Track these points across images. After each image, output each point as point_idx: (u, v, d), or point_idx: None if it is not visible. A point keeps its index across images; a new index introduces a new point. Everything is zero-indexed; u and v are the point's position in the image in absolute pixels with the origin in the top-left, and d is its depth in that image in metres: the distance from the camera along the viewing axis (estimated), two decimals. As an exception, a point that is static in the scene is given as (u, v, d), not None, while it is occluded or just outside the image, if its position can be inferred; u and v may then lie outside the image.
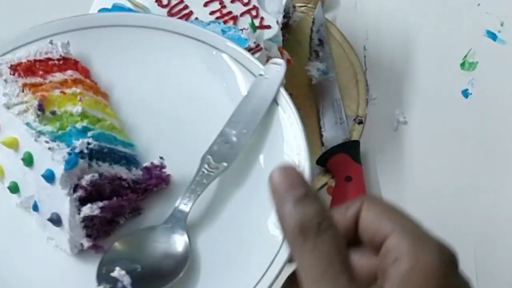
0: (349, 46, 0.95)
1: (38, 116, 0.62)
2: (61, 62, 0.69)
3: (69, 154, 0.59)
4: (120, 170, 0.62)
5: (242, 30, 0.75)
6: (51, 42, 0.69)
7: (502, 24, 0.96)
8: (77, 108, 0.64)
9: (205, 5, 0.78)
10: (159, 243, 0.59)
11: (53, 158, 0.58)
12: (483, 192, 0.86)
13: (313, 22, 0.95)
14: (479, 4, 0.98)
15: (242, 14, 0.78)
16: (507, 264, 0.80)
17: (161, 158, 0.64)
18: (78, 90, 0.66)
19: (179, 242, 0.59)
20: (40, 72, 0.67)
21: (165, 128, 0.67)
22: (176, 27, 0.69)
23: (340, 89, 0.91)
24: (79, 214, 0.59)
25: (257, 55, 0.74)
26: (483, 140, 0.89)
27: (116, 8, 0.78)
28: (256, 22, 0.77)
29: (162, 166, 0.64)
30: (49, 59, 0.68)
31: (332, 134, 0.87)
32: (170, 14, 0.77)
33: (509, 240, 0.82)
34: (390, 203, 0.48)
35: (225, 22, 0.77)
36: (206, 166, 0.61)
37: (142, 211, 0.64)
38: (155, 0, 0.78)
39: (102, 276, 0.57)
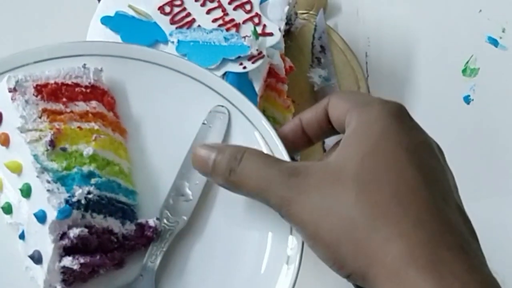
0: (351, 53, 0.95)
1: (47, 150, 0.61)
2: (88, 90, 0.67)
3: (66, 201, 0.58)
4: (113, 223, 0.62)
5: (244, 37, 0.75)
6: (84, 66, 0.67)
7: (503, 30, 0.97)
8: (88, 150, 0.63)
9: (208, 12, 0.78)
10: None
11: (49, 202, 0.58)
12: (485, 197, 0.86)
13: (315, 29, 0.96)
14: (480, 10, 0.98)
15: (244, 22, 0.78)
16: (508, 270, 0.80)
17: (157, 219, 0.63)
18: (96, 127, 0.65)
19: None
20: (64, 99, 0.65)
21: (171, 179, 0.65)
22: (214, 83, 0.67)
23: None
24: (59, 262, 0.58)
25: (259, 62, 0.74)
26: (485, 146, 0.89)
27: (119, 15, 0.78)
28: (259, 29, 0.77)
29: (156, 228, 0.63)
30: (77, 84, 0.66)
31: (334, 141, 0.87)
32: (173, 21, 0.77)
33: (510, 245, 0.82)
34: (351, 91, 0.57)
35: (227, 29, 0.77)
36: (165, 221, 0.62)
37: (125, 265, 0.63)
38: (157, 7, 0.78)
39: None
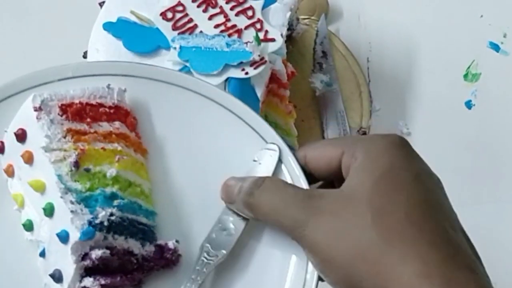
0: (353, 58, 0.95)
1: (71, 170, 0.61)
2: (112, 110, 0.67)
3: (89, 223, 0.59)
4: (133, 245, 0.62)
5: (246, 43, 0.75)
6: (108, 86, 0.67)
7: (505, 36, 0.97)
8: (112, 171, 0.63)
9: (210, 18, 0.79)
10: None
11: (72, 222, 0.58)
12: (486, 202, 0.86)
13: (316, 34, 0.96)
14: (482, 16, 0.98)
15: (246, 27, 0.78)
16: (509, 275, 0.81)
17: (176, 241, 0.63)
18: (119, 148, 0.65)
19: None
20: (88, 119, 0.65)
21: (193, 201, 0.66)
22: (236, 108, 0.67)
23: (343, 101, 0.92)
24: (80, 282, 0.59)
25: (261, 68, 0.75)
26: (486, 151, 0.89)
27: (121, 21, 0.79)
28: (261, 35, 0.77)
29: (175, 251, 0.63)
30: (101, 105, 0.66)
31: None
32: (175, 27, 0.77)
33: (510, 249, 0.82)
34: (328, 139, 0.58)
35: (229, 35, 0.77)
36: (205, 254, 0.61)
37: (142, 285, 0.64)
38: (159, 13, 0.78)
39: None
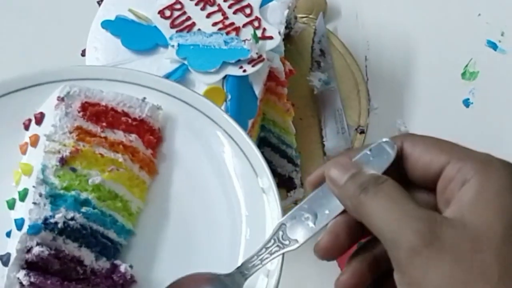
0: (351, 57, 0.95)
1: (56, 165, 0.61)
2: (134, 123, 0.66)
3: (44, 219, 0.58)
4: (86, 255, 0.61)
5: (244, 41, 0.75)
6: (143, 100, 0.66)
7: (502, 34, 0.97)
8: (96, 178, 0.62)
9: (208, 16, 0.79)
10: None
11: (30, 213, 0.58)
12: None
13: (314, 33, 0.96)
14: (479, 14, 0.98)
15: (244, 25, 0.78)
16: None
17: (130, 266, 0.61)
18: (120, 159, 0.64)
19: None
20: (104, 123, 0.65)
21: (180, 234, 0.63)
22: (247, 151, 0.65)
23: (341, 99, 0.92)
24: (16, 272, 0.58)
25: (259, 65, 0.75)
26: (484, 149, 0.89)
27: (120, 19, 0.79)
28: (259, 33, 0.77)
29: (124, 276, 0.61)
30: (127, 114, 0.66)
31: (334, 144, 0.88)
32: (173, 25, 0.77)
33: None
34: (432, 137, 0.50)
35: (227, 33, 0.77)
36: (280, 233, 0.53)
37: None
38: (158, 11, 0.78)
39: None
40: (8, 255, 0.59)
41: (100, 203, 0.62)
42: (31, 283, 0.58)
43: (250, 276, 0.54)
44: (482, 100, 0.93)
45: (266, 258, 0.53)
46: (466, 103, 0.93)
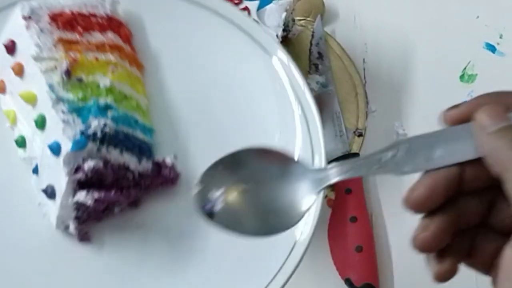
0: (348, 59, 0.95)
1: (63, 79, 0.59)
2: (104, 21, 0.64)
3: (81, 133, 0.56)
4: (129, 160, 0.59)
5: (241, 44, 0.75)
6: None
7: (501, 37, 0.97)
8: (106, 81, 0.60)
9: (205, 19, 0.78)
10: (287, 183, 0.46)
11: (64, 133, 0.56)
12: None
13: (312, 36, 0.95)
14: (478, 17, 0.98)
15: (242, 28, 0.78)
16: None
17: (175, 157, 0.60)
18: (112, 59, 0.62)
19: (307, 196, 0.46)
20: (79, 28, 0.62)
21: (192, 118, 0.63)
22: (235, 18, 0.64)
23: (339, 102, 0.91)
24: (73, 197, 0.56)
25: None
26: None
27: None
28: (256, 36, 0.77)
29: (173, 168, 0.60)
30: (93, 15, 0.64)
31: (332, 147, 0.87)
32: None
33: None
34: None
35: (225, 36, 0.77)
36: (395, 151, 0.46)
37: (140, 204, 0.61)
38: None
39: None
40: (51, 187, 0.57)
41: (118, 105, 0.60)
42: (96, 200, 0.56)
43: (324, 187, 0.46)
44: (480, 103, 0.92)
45: (358, 171, 0.46)
46: (463, 106, 0.93)
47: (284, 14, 0.81)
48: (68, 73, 0.59)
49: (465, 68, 0.95)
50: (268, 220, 0.46)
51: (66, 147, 0.55)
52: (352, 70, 0.94)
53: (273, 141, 0.62)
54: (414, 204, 0.45)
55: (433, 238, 0.44)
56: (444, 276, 0.45)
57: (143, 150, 0.60)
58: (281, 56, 0.61)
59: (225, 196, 0.46)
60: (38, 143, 0.59)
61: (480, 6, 0.99)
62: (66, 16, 0.62)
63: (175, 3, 0.65)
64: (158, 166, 0.60)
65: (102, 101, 0.59)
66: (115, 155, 0.58)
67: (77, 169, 0.56)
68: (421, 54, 0.96)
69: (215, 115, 0.61)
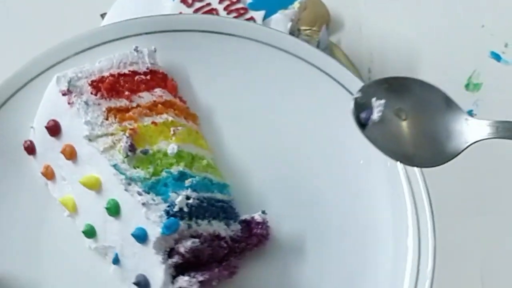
0: (354, 69, 0.95)
1: (127, 156, 0.53)
2: (148, 77, 0.58)
3: (167, 213, 0.50)
4: (218, 227, 0.54)
5: (248, 53, 0.75)
6: (136, 50, 0.59)
7: (506, 45, 0.97)
8: (172, 147, 0.54)
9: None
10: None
11: (148, 217, 0.50)
12: (489, 213, 0.85)
13: (318, 45, 0.96)
14: (483, 26, 0.98)
15: (248, 38, 0.78)
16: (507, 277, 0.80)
17: (263, 212, 0.55)
18: (170, 119, 0.56)
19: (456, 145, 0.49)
20: (126, 92, 0.56)
21: (259, 165, 0.58)
22: (284, 45, 0.59)
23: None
24: (173, 284, 0.50)
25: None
26: (488, 161, 0.89)
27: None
28: (262, 45, 0.77)
29: (264, 223, 0.55)
30: (135, 72, 0.58)
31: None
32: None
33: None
34: None
35: (231, 46, 0.77)
36: None
37: (238, 272, 0.55)
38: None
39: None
40: (142, 276, 0.51)
41: (191, 170, 0.55)
42: (201, 282, 0.50)
43: None
44: (486, 111, 0.92)
45: None
46: (470, 114, 0.92)
47: (289, 24, 0.81)
48: (132, 147, 0.53)
49: (470, 77, 0.95)
50: (415, 150, 0.47)
51: (154, 232, 0.50)
52: (358, 80, 0.95)
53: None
54: None
55: None
56: None
57: (226, 211, 0.56)
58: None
59: (384, 111, 0.47)
60: (114, 231, 0.53)
61: (485, 15, 0.99)
62: (108, 81, 0.56)
63: (211, 37, 0.60)
64: (248, 225, 0.55)
65: (175, 170, 0.54)
66: (205, 227, 0.53)
67: (171, 252, 0.50)
68: (426, 63, 0.96)
69: (284, 159, 0.55)
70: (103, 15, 0.84)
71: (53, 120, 0.55)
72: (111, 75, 0.57)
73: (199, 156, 0.57)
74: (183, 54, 0.59)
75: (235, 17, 0.80)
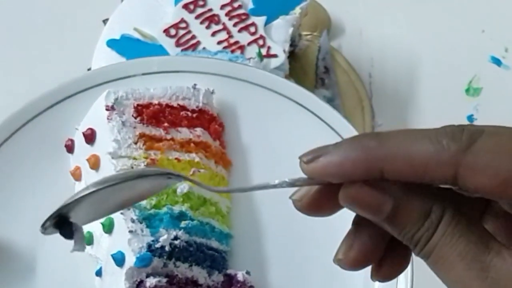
0: (355, 73, 0.96)
1: None
2: (195, 115, 0.59)
3: (148, 246, 0.51)
4: (199, 274, 0.54)
5: (249, 59, 0.75)
6: (194, 87, 0.60)
7: (506, 50, 0.97)
8: (183, 187, 0.55)
9: (213, 34, 0.79)
10: None
11: (130, 244, 0.51)
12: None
13: (318, 50, 0.96)
14: (483, 31, 0.99)
15: (249, 44, 0.79)
16: None
17: (247, 273, 0.55)
18: (196, 159, 0.57)
19: None
20: (166, 124, 0.58)
21: (273, 223, 0.57)
22: (327, 115, 0.60)
23: (345, 116, 0.92)
24: None
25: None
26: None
27: (125, 38, 0.79)
28: (263, 51, 0.78)
29: (244, 283, 0.55)
30: (184, 108, 0.59)
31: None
32: (178, 44, 0.78)
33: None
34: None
35: (232, 51, 0.77)
36: None
37: None
38: (163, 30, 0.79)
39: None
40: None
41: (194, 212, 0.55)
42: None
43: None
44: (486, 116, 0.93)
45: None
46: (470, 119, 0.93)
47: (291, 29, 0.82)
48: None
49: (470, 82, 0.95)
50: None
51: (130, 260, 0.51)
52: (358, 84, 0.95)
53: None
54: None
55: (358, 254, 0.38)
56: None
57: (215, 261, 0.56)
58: None
59: None
60: (104, 245, 0.54)
61: (485, 20, 0.99)
62: (153, 109, 0.58)
63: (271, 96, 0.61)
64: (230, 280, 0.55)
65: (176, 209, 0.54)
66: (183, 270, 0.54)
67: (139, 284, 0.51)
68: (427, 68, 0.97)
69: (302, 222, 0.50)
70: (105, 21, 0.84)
71: (91, 129, 0.57)
72: (159, 104, 0.58)
73: (212, 201, 0.57)
74: (243, 104, 0.61)
75: (236, 22, 0.80)
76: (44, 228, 0.44)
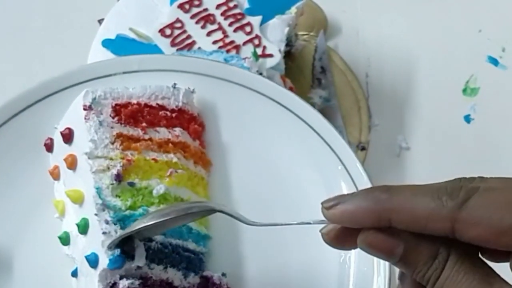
0: (351, 73, 0.95)
1: (112, 184, 0.53)
2: (174, 115, 0.59)
3: (121, 250, 0.51)
4: (174, 276, 0.54)
5: (244, 59, 0.75)
6: (174, 86, 0.59)
7: (503, 50, 0.97)
8: (159, 188, 0.55)
9: (208, 34, 0.79)
10: None
11: (103, 246, 0.51)
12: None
13: (315, 50, 0.96)
14: (480, 31, 0.98)
15: (244, 43, 0.78)
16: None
17: (223, 275, 0.55)
18: (174, 160, 0.57)
19: None
20: (144, 124, 0.57)
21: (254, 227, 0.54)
22: (306, 116, 0.60)
23: (342, 116, 0.92)
24: None
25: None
26: (486, 165, 0.89)
27: (120, 38, 0.79)
28: (259, 51, 0.77)
29: (220, 285, 0.55)
30: (163, 107, 0.59)
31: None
32: (173, 44, 0.78)
33: None
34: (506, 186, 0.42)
35: (227, 51, 0.77)
36: None
37: None
38: (158, 30, 0.79)
39: None
40: None
41: None
42: None
43: None
44: (483, 116, 0.92)
45: None
46: (467, 119, 0.93)
47: (287, 29, 0.82)
48: (118, 177, 0.54)
49: (467, 82, 0.95)
50: None
51: (104, 261, 0.51)
52: (355, 84, 0.95)
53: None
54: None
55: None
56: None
57: (192, 263, 0.56)
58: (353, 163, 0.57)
59: None
60: (79, 246, 0.54)
61: (482, 19, 0.99)
62: (131, 108, 0.58)
63: (253, 95, 0.61)
64: (206, 281, 0.55)
65: (152, 210, 0.54)
66: (157, 272, 0.53)
67: (113, 286, 0.51)
68: (424, 68, 0.96)
69: (281, 230, 0.51)
70: (100, 21, 0.84)
71: (69, 128, 0.57)
72: (138, 103, 0.58)
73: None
74: (224, 103, 0.61)
75: (232, 22, 0.80)
76: (109, 248, 0.49)
